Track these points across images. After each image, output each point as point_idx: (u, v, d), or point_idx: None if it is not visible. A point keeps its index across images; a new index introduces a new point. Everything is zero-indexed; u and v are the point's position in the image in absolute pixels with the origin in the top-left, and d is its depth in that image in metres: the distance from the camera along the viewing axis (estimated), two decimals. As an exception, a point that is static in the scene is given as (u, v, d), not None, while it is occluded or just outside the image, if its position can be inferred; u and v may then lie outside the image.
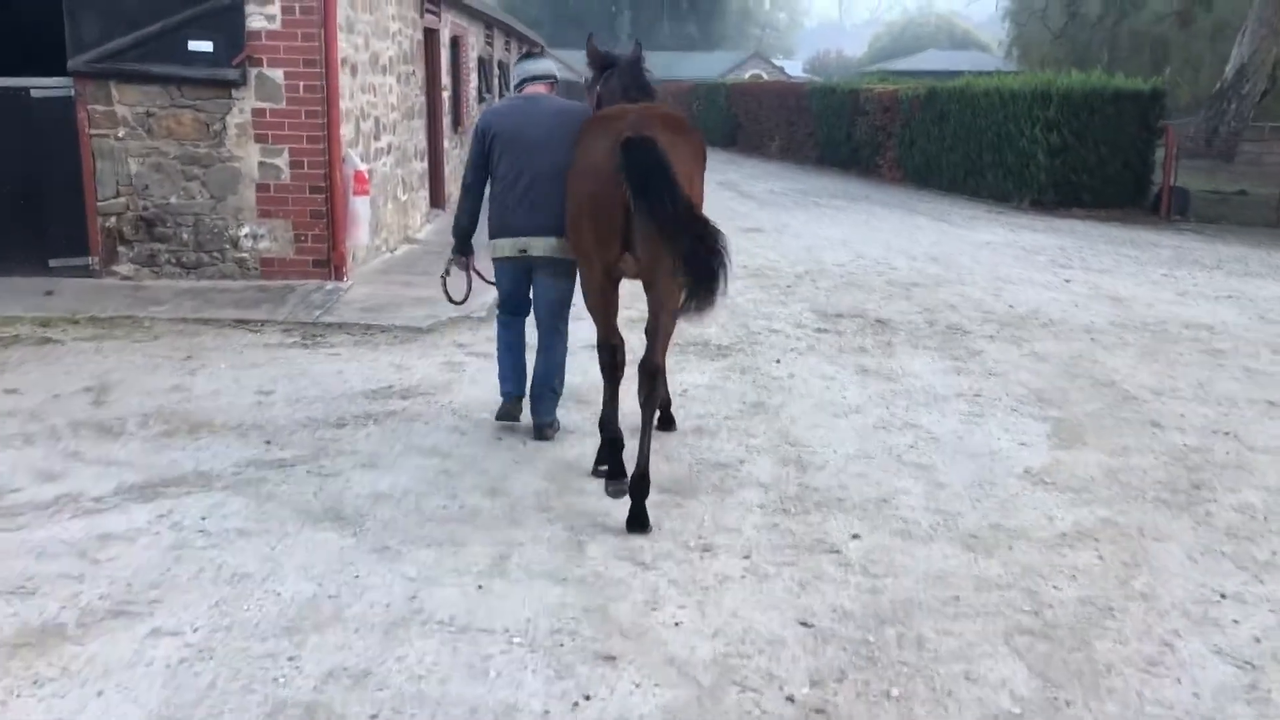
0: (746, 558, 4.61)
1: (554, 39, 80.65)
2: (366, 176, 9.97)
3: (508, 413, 6.11)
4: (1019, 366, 8.19)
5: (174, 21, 9.31)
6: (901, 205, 20.29)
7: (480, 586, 4.23)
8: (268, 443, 5.72)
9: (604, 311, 5.28)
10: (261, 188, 9.68)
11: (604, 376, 5.31)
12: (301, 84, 9.52)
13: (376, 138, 11.87)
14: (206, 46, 9.38)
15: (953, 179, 22.38)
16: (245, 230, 9.76)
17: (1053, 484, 5.70)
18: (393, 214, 12.69)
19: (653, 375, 4.99)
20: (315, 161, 9.65)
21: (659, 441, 5.93)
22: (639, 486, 4.88)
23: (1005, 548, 4.86)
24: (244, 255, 9.80)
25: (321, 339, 8.12)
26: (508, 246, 5.70)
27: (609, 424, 5.24)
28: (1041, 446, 6.33)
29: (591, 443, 5.94)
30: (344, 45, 10.37)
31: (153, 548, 4.44)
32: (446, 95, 16.78)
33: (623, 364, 5.36)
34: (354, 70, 10.79)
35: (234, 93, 9.53)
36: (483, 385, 7.01)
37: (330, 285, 9.68)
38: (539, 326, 6.01)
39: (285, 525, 4.70)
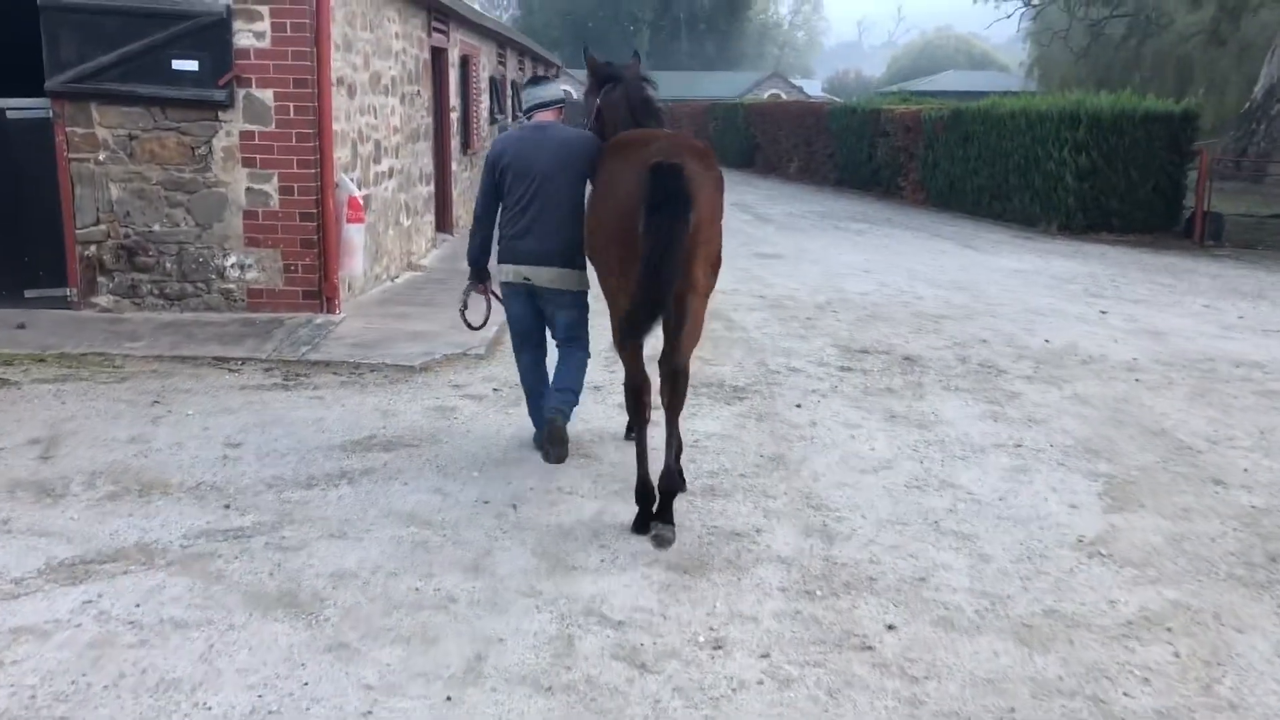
0: (765, 656, 3.97)
1: (573, 59, 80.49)
2: (361, 203, 9.40)
3: (551, 443, 5.85)
4: (1061, 411, 7.53)
5: (157, 40, 8.76)
6: (924, 229, 19.65)
7: (449, 698, 3.59)
8: (227, 507, 5.11)
9: (635, 348, 5.10)
10: (249, 215, 9.12)
11: (635, 421, 5.18)
12: (292, 105, 8.96)
13: (377, 161, 11.31)
14: (191, 66, 8.83)
15: (977, 202, 21.74)
16: (232, 260, 9.19)
17: (1110, 556, 5.04)
18: (395, 240, 12.13)
19: (675, 375, 4.98)
20: (306, 187, 9.08)
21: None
22: (668, 483, 4.96)
23: (1064, 640, 4.20)
24: (230, 286, 9.23)
25: (305, 379, 7.52)
26: (513, 273, 5.70)
27: (644, 485, 5.05)
28: (1094, 509, 5.67)
29: (590, 505, 5.33)
30: (340, 64, 9.82)
31: (69, 646, 3.81)
32: (455, 116, 16.24)
33: (650, 404, 5.19)
34: (351, 91, 10.24)
35: (220, 114, 8.97)
36: (475, 434, 6.41)
37: (321, 319, 9.10)
38: (559, 346, 6.00)
39: (231, 614, 4.07)
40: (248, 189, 9.08)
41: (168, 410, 6.62)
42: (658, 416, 5.34)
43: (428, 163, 14.14)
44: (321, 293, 9.22)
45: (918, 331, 10.14)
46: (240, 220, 9.12)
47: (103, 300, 9.20)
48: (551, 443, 5.74)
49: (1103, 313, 11.51)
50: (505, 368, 8.09)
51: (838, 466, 6.15)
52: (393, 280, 11.78)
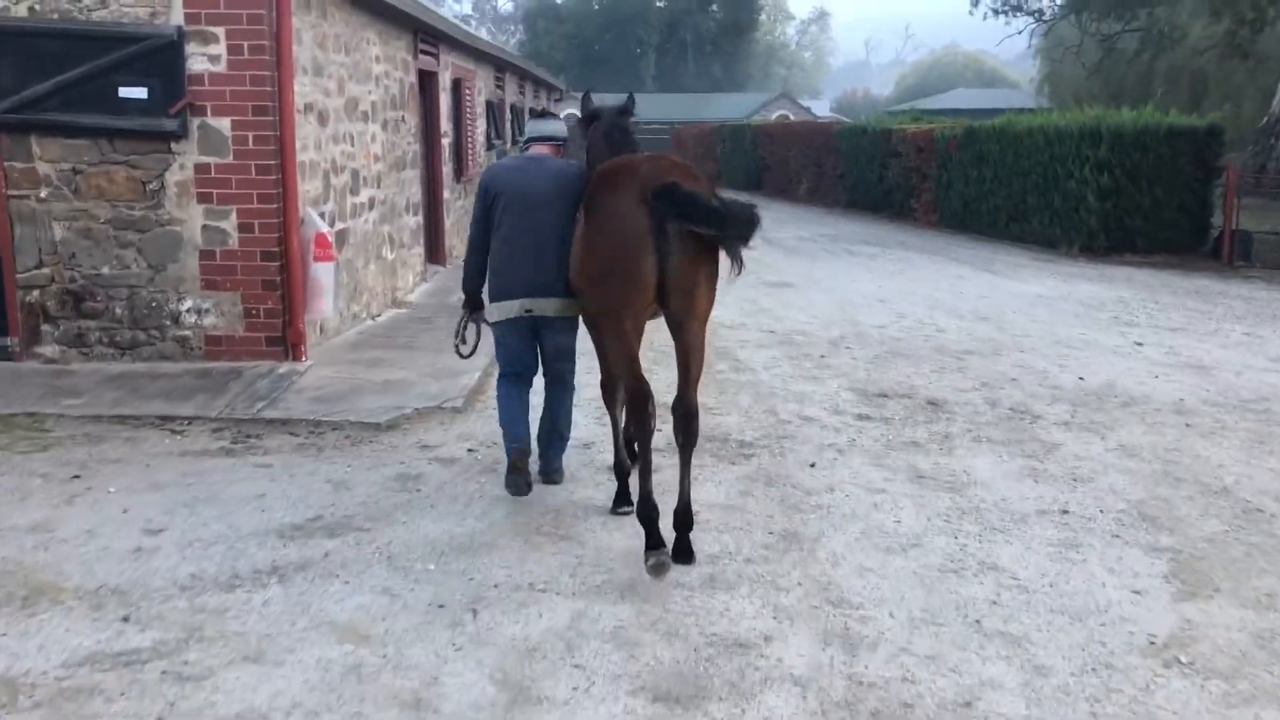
0: (775, 831, 3.12)
1: (579, 81, 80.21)
2: (330, 239, 8.59)
3: (515, 472, 5.59)
4: (1107, 466, 6.67)
5: (102, 64, 7.99)
6: (940, 252, 18.81)
7: None
8: (126, 619, 4.24)
9: (632, 364, 5.03)
10: (206, 255, 8.32)
11: (638, 434, 5.01)
12: (251, 135, 8.17)
13: (354, 192, 10.52)
14: (140, 93, 8.06)
15: (994, 223, 20.91)
16: (187, 304, 8.38)
17: (1192, 666, 4.17)
18: (376, 276, 11.32)
19: (689, 417, 5.00)
20: (268, 224, 8.28)
21: (659, 605, 4.48)
22: (683, 520, 4.94)
23: (1151, 795, 3.34)
24: (186, 333, 8.42)
25: (255, 442, 6.70)
26: (515, 308, 5.59)
27: (646, 501, 4.89)
28: (1161, 596, 4.80)
29: (566, 607, 4.49)
30: (309, 89, 9.04)
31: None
32: (447, 142, 15.47)
33: (654, 414, 5.08)
34: (323, 118, 9.45)
35: (173, 146, 8.18)
36: (439, 511, 5.57)
37: (284, 368, 8.28)
38: (547, 379, 5.97)
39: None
40: (204, 227, 8.29)
41: (87, 487, 5.78)
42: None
43: (415, 192, 13.36)
44: (285, 339, 8.41)
45: (941, 370, 9.29)
46: (196, 261, 8.33)
47: (47, 350, 8.40)
48: (514, 471, 5.63)
49: (1138, 344, 10.64)
50: (484, 421, 7.27)
51: (859, 544, 5.29)
52: (374, 319, 10.97)
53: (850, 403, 8.12)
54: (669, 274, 4.75)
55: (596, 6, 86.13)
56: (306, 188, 9.00)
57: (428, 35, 13.83)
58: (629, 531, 5.30)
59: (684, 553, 4.91)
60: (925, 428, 7.48)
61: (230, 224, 8.27)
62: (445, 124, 15.29)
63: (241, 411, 7.19)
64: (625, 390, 5.15)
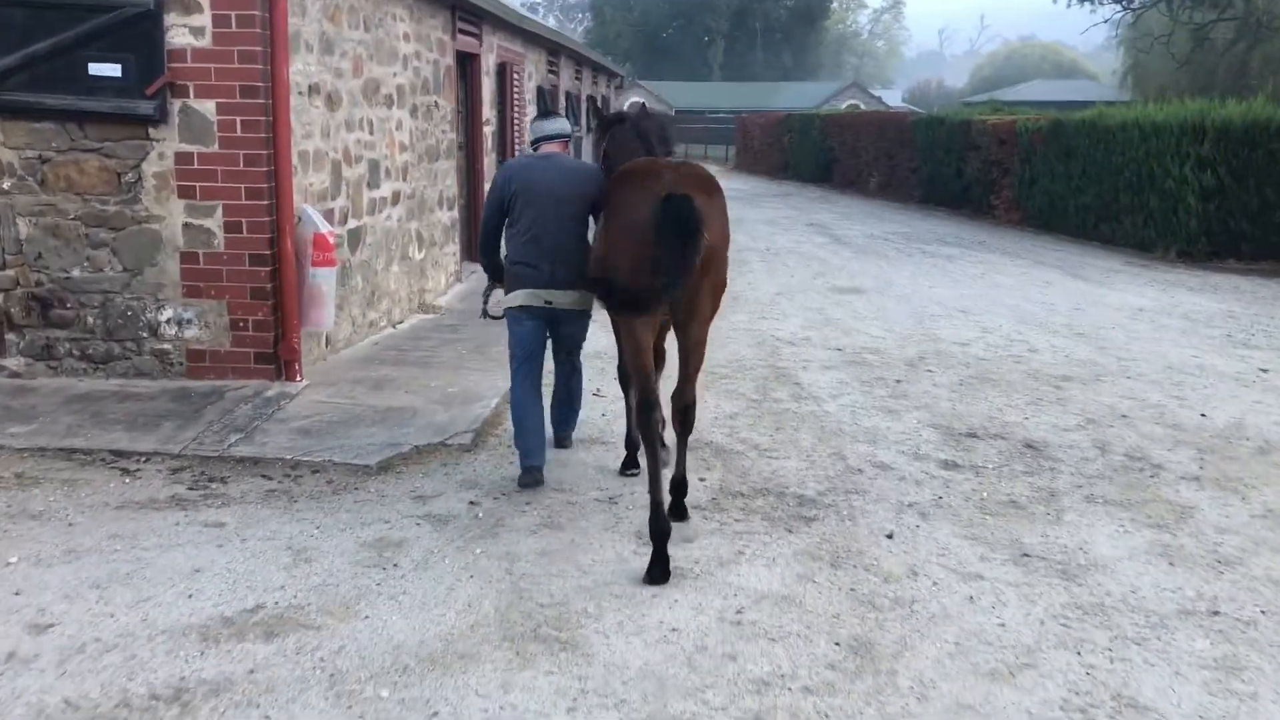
0: None
1: (646, 71, 79.11)
2: (331, 241, 7.47)
3: (532, 481, 5.85)
4: (1257, 542, 5.36)
5: (70, 37, 6.94)
6: (1024, 254, 17.37)
7: None
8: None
9: (645, 365, 5.15)
10: (188, 258, 7.25)
11: (644, 440, 5.03)
12: (239, 120, 7.07)
13: (374, 185, 9.41)
14: (113, 71, 6.99)
15: (1081, 224, 19.40)
16: (167, 314, 7.32)
17: None
18: (400, 278, 10.22)
19: (687, 409, 5.27)
20: (258, 223, 7.18)
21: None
22: (679, 488, 5.37)
23: None
24: (165, 346, 7.36)
25: (216, 489, 5.59)
26: (531, 297, 5.78)
27: (658, 512, 4.82)
28: (1372, 760, 3.52)
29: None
30: (314, 69, 7.93)
31: None
32: (490, 131, 14.34)
33: (661, 420, 5.21)
34: (333, 101, 8.34)
35: (151, 131, 7.11)
36: (414, 599, 4.39)
37: (274, 389, 7.18)
38: (558, 363, 6.23)
39: None
40: (186, 225, 7.22)
41: (-17, 554, 4.70)
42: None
43: (450, 184, 12.24)
44: (277, 356, 7.32)
45: (1037, 402, 7.97)
46: (177, 264, 7.26)
47: (12, 363, 7.38)
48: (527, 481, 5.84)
49: (1263, 370, 9.23)
50: (495, 463, 6.13)
51: (954, 663, 4.03)
52: (394, 326, 9.86)
53: (933, 444, 6.84)
54: (669, 274, 4.76)
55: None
56: (310, 181, 7.90)
57: (468, 13, 12.70)
58: (649, 637, 4.11)
59: (679, 512, 5.38)
60: (1025, 481, 6.19)
61: (215, 222, 7.18)
62: (488, 110, 14.16)
63: (210, 447, 6.09)
64: (635, 389, 5.20)
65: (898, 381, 8.49)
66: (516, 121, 15.68)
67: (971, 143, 23.25)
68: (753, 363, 9.07)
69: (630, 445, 6.13)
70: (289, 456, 5.96)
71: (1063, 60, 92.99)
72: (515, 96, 15.69)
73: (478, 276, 13.36)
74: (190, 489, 5.58)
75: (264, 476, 5.78)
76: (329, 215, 8.34)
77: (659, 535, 4.74)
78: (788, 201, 27.37)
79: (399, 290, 10.20)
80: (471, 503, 5.53)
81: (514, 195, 5.73)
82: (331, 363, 8.13)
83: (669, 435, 5.46)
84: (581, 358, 6.31)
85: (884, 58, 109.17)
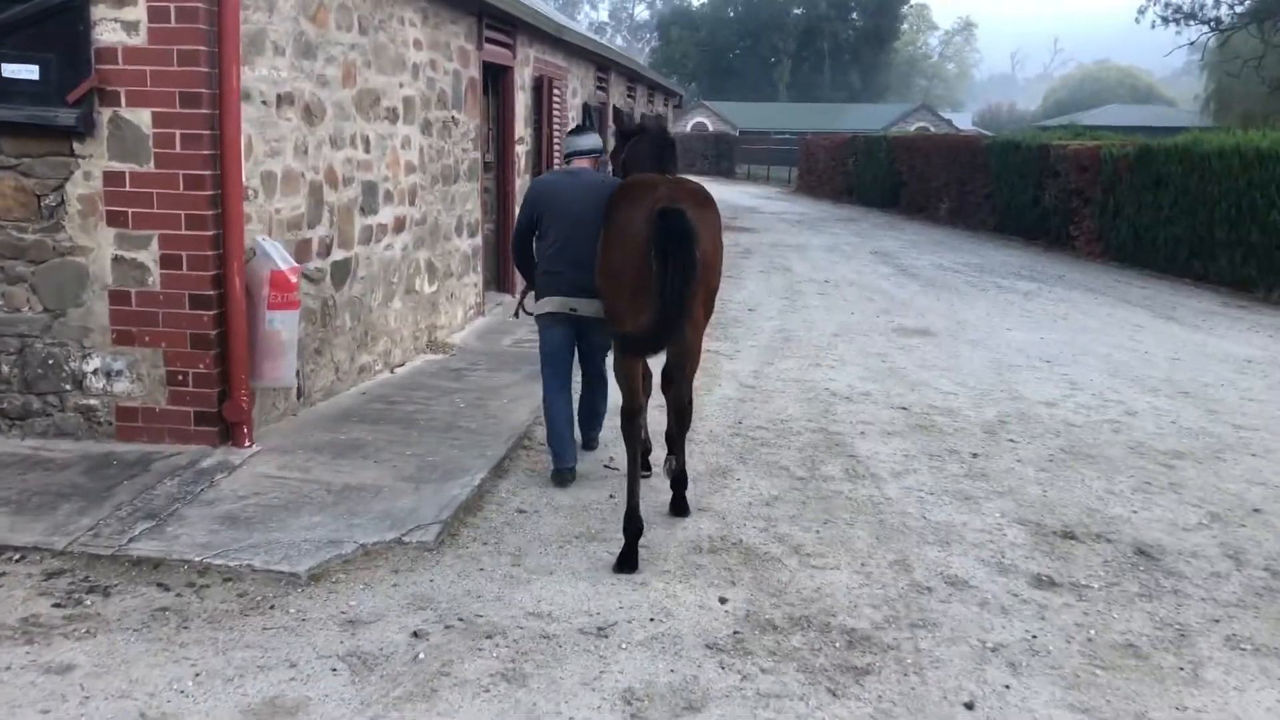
0: None
1: (712, 92, 78.04)
2: (293, 280, 6.23)
3: (562, 481, 6.16)
4: None
5: (-20, 31, 5.78)
6: (1108, 291, 15.83)
7: None
8: None
9: (634, 374, 5.38)
10: (118, 297, 6.04)
11: (629, 447, 5.29)
12: (179, 133, 5.86)
13: (369, 211, 8.19)
14: (30, 72, 5.82)
15: (1171, 258, 17.79)
16: (94, 363, 6.12)
17: None
18: (403, 315, 8.98)
19: (682, 410, 5.61)
20: (200, 257, 5.95)
21: None
22: (679, 480, 5.67)
23: None
24: (92, 402, 6.15)
25: (89, 608, 4.33)
26: (558, 304, 6.04)
27: (634, 515, 5.06)
28: None
29: None
30: (283, 75, 6.72)
31: None
32: (523, 150, 13.11)
33: (646, 435, 5.87)
34: (310, 114, 7.13)
35: (76, 146, 5.92)
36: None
37: (213, 458, 5.94)
38: (585, 370, 6.48)
39: None
40: (116, 259, 6.02)
41: None
42: None
43: (473, 209, 11.01)
44: (222, 416, 6.08)
45: (1145, 488, 6.53)
46: (105, 305, 6.06)
47: (-87, 418, 6.22)
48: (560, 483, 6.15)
49: None
50: (462, 569, 4.83)
51: None
52: (392, 371, 8.62)
53: (1021, 549, 5.44)
54: (664, 285, 4.87)
55: (732, 14, 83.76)
56: (276, 206, 6.68)
57: (498, 21, 11.49)
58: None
59: (680, 507, 5.65)
60: (1143, 610, 4.77)
61: (150, 256, 5.97)
62: (521, 128, 12.93)
63: (106, 541, 4.85)
64: (622, 395, 5.39)
65: (974, 456, 7.08)
66: (558, 141, 14.43)
67: (1050, 169, 21.68)
68: (801, 425, 7.71)
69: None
70: (199, 558, 4.70)
71: (1139, 84, 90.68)
72: (556, 114, 14.46)
73: (504, 308, 12.18)
74: (58, 605, 4.33)
75: (160, 586, 4.52)
76: (305, 246, 7.13)
77: (631, 535, 5.03)
78: (851, 227, 25.93)
79: (401, 329, 8.96)
80: (415, 634, 4.23)
81: (541, 211, 6.09)
82: (299, 420, 6.89)
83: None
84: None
85: (954, 80, 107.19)
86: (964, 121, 72.79)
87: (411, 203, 9.17)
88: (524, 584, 4.73)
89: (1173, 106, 74.77)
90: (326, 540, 4.93)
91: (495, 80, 12.26)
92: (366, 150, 8.14)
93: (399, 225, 8.89)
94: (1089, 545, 5.55)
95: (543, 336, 6.22)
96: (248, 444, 6.12)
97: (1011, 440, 7.49)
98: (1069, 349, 11.07)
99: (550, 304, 6.07)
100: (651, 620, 4.46)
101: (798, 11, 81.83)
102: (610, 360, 6.09)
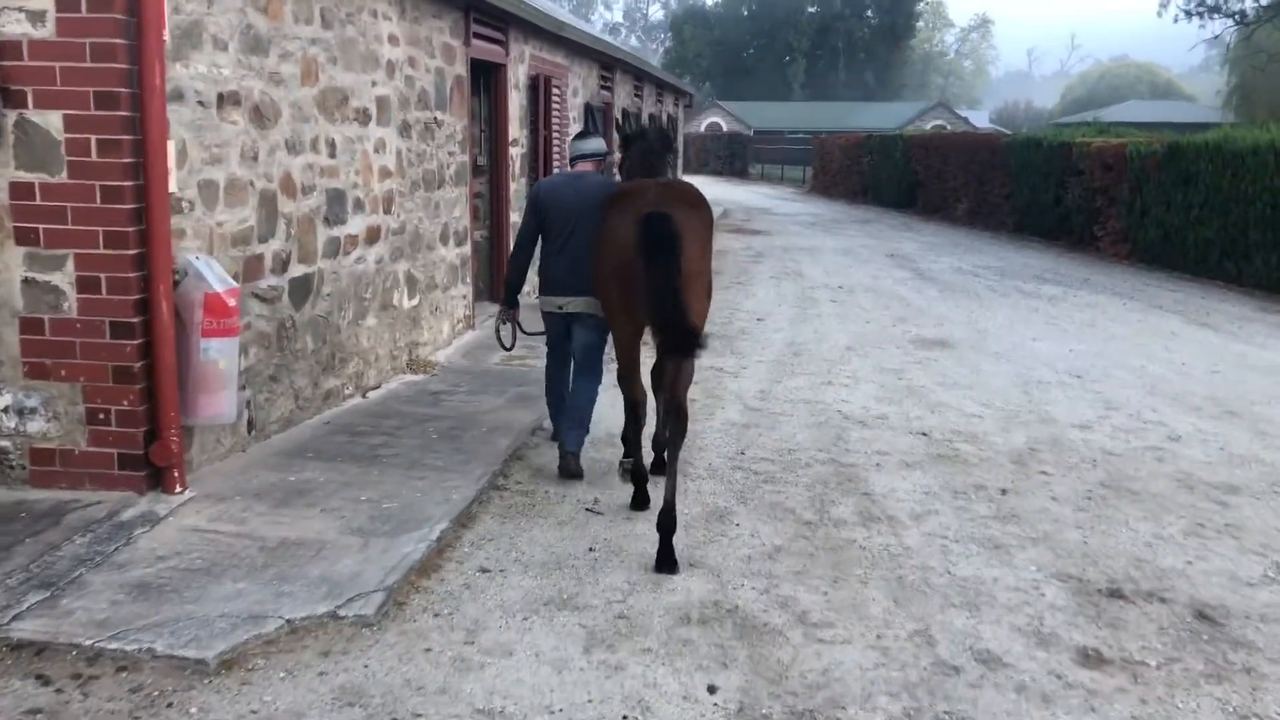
0: None
1: (725, 91, 77.15)
2: (231, 303, 5.51)
3: (568, 469, 6.32)
4: None
5: None
6: (1136, 295, 15.04)
7: None
8: None
9: (632, 369, 5.78)
10: (30, 325, 5.32)
11: (630, 426, 6.09)
12: (95, 139, 5.14)
13: (334, 221, 7.48)
14: (-76, 69, 5.12)
15: (1202, 260, 17.01)
16: (5, 400, 5.40)
17: None
18: (377, 333, 8.27)
19: (678, 414, 5.35)
20: (121, 280, 5.23)
21: None
22: (665, 522, 5.06)
23: None
24: (3, 444, 5.44)
25: (-56, 710, 3.64)
26: (553, 304, 6.37)
27: (639, 465, 5.86)
28: None
29: None
30: (225, 73, 6.01)
31: None
32: (518, 153, 12.38)
33: (645, 416, 6.09)
34: (260, 116, 6.41)
35: (-22, 154, 5.22)
36: None
37: (138, 507, 5.21)
38: (575, 367, 6.54)
39: None
40: (27, 281, 5.30)
41: None
42: None
43: (460, 216, 10.28)
44: (148, 459, 5.36)
45: (1198, 531, 5.76)
46: (16, 334, 5.34)
47: None
48: (567, 475, 6.29)
49: None
50: (405, 650, 4.09)
51: None
52: (364, 395, 7.90)
53: (1063, 614, 4.68)
54: (656, 289, 5.04)
55: (745, 13, 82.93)
56: (218, 220, 5.96)
57: (488, 15, 10.77)
58: None
59: (667, 561, 5.01)
60: (1211, 696, 4.01)
61: (65, 278, 5.26)
62: (516, 130, 12.21)
63: (-13, 616, 4.13)
64: (622, 389, 6.00)
65: (1003, 492, 6.31)
66: (557, 143, 13.71)
67: (1073, 167, 20.87)
68: (810, 454, 6.96)
69: (625, 440, 6.43)
70: (90, 641, 3.97)
71: (1158, 81, 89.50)
72: (555, 114, 13.72)
73: (496, 320, 11.42)
74: (-93, 708, 3.63)
75: (39, 679, 3.80)
76: (256, 262, 6.41)
77: (638, 481, 5.83)
78: (867, 229, 25.14)
79: (375, 348, 8.24)
80: (339, 742, 3.51)
81: (544, 213, 6.30)
82: (248, 457, 6.16)
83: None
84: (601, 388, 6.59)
85: (971, 78, 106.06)
86: (981, 119, 71.82)
87: (387, 211, 8.45)
88: (476, 670, 3.99)
89: (1193, 103, 73.75)
90: (248, 615, 4.20)
91: (487, 79, 11.54)
92: (332, 155, 7.42)
93: (372, 236, 8.17)
94: (1140, 607, 4.79)
95: (547, 329, 6.62)
96: (178, 490, 5.40)
97: (1044, 473, 6.72)
98: (1100, 361, 10.29)
99: (544, 303, 6.43)
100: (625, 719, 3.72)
101: (812, 10, 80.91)
102: (604, 359, 6.50)
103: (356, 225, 7.87)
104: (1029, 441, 7.43)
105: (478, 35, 10.62)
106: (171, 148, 5.36)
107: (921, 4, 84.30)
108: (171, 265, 5.31)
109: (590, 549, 5.22)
